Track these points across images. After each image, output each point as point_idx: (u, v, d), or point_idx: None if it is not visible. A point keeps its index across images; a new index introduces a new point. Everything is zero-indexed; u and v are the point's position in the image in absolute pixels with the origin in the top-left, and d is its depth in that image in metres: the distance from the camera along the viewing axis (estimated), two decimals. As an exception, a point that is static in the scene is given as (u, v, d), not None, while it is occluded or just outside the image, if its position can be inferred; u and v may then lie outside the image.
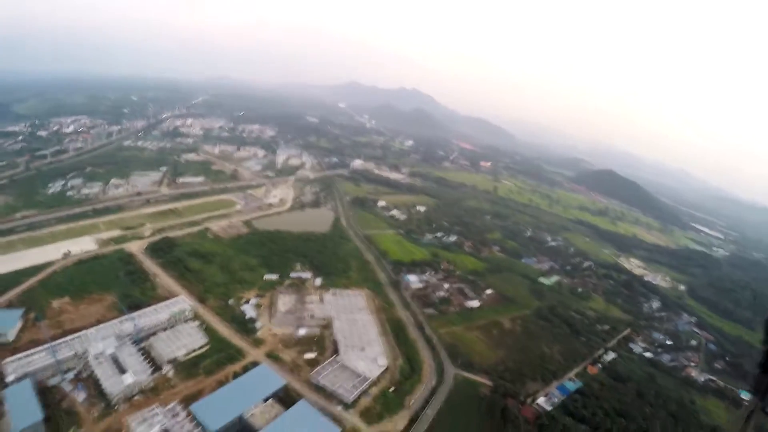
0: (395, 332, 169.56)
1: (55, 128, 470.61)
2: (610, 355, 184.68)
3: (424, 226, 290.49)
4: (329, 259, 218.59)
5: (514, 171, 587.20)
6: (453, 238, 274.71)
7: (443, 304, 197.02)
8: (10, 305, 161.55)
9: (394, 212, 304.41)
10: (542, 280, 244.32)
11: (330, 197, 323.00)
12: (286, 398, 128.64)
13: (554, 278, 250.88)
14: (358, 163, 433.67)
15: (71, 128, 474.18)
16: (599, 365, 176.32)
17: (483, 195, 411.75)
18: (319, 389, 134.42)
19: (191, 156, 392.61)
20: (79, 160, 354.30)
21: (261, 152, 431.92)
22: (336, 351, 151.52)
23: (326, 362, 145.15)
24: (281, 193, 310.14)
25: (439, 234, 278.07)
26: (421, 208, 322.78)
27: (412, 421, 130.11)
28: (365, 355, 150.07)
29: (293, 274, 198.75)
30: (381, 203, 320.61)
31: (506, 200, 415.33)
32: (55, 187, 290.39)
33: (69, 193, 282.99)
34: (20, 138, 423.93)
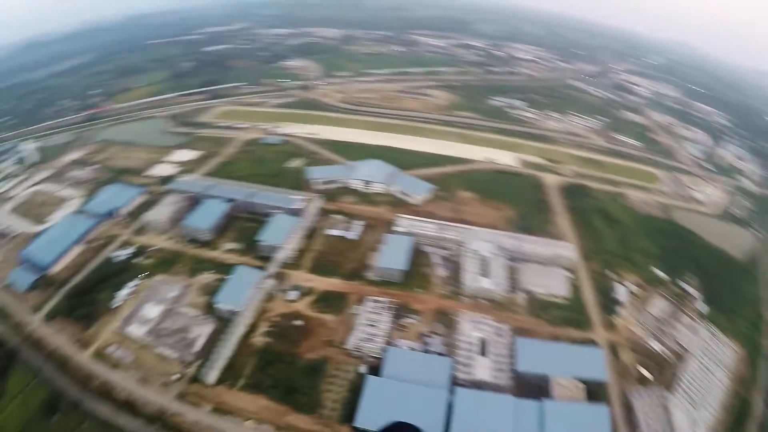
0: (736, 414, 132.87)
1: (510, 51, 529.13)
2: None
3: None
4: (726, 291, 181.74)
5: None
6: None
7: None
8: (426, 179, 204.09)
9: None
10: None
11: (763, 223, 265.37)
12: (594, 392, 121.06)
13: None
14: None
15: (524, 55, 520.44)
16: None
17: None
18: (628, 408, 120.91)
19: (631, 115, 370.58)
20: (524, 85, 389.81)
21: (705, 138, 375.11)
22: (670, 387, 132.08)
23: (653, 390, 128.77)
24: (712, 193, 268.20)
25: None
26: None
27: None
28: (692, 413, 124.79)
29: (682, 284, 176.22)
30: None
31: None
32: (498, 101, 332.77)
33: (508, 110, 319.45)
34: (478, 52, 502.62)
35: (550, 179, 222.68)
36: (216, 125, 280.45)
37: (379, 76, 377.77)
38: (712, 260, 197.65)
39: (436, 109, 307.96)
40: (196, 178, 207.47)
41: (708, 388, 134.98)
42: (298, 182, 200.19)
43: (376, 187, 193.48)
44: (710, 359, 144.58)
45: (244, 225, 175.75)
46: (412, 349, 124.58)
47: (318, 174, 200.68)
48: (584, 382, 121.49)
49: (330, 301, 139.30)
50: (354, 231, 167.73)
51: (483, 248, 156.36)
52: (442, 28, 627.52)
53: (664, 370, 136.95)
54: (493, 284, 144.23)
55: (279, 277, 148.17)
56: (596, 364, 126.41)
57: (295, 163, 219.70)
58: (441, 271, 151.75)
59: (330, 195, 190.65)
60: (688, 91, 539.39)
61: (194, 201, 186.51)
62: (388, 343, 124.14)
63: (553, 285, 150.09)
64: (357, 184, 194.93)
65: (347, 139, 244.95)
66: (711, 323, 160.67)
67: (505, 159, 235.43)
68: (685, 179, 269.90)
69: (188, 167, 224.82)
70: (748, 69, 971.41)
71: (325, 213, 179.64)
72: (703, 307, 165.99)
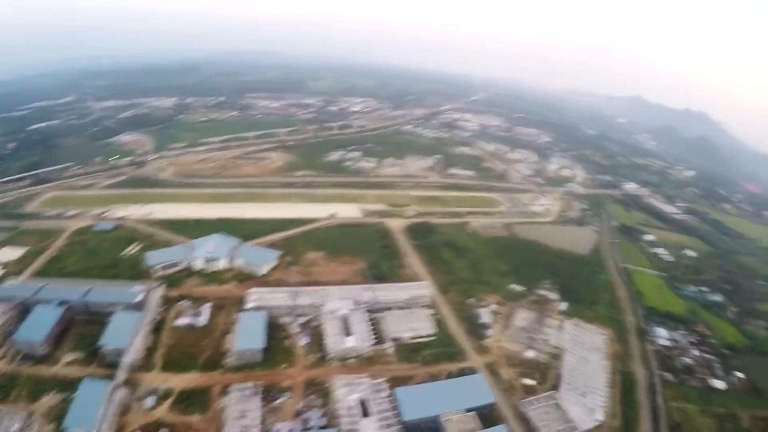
0: (623, 387, 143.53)
1: (344, 105, 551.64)
2: None
3: (690, 275, 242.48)
4: (579, 285, 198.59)
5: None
6: (717, 298, 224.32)
7: (685, 373, 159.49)
8: (271, 246, 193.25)
9: (660, 250, 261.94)
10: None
11: (596, 218, 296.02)
12: (487, 416, 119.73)
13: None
14: (631, 187, 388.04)
15: (358, 107, 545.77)
16: None
17: (765, 253, 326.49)
18: (524, 420, 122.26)
19: (464, 149, 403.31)
20: (360, 136, 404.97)
21: (533, 157, 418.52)
22: (556, 386, 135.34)
23: (542, 395, 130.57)
24: (547, 203, 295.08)
25: (703, 288, 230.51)
26: (691, 253, 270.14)
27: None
28: (584, 401, 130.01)
29: (539, 291, 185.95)
30: (648, 237, 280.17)
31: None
32: (335, 155, 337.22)
33: (347, 163, 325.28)
34: (313, 109, 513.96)
35: (395, 223, 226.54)
36: (42, 215, 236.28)
37: (213, 144, 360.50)
38: (560, 262, 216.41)
39: (274, 172, 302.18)
40: (22, 281, 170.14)
41: (590, 375, 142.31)
42: (137, 271, 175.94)
43: (220, 264, 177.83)
44: (583, 349, 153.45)
45: (83, 330, 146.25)
46: (292, 430, 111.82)
47: (156, 259, 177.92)
48: (475, 410, 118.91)
49: (192, 400, 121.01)
50: (203, 316, 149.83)
51: (340, 307, 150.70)
52: (276, 89, 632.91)
53: (546, 373, 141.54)
54: (358, 341, 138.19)
55: (131, 383, 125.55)
56: (480, 390, 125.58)
57: (131, 249, 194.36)
58: (302, 340, 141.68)
59: (172, 280, 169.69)
60: (512, 119, 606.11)
61: (23, 309, 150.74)
62: (266, 431, 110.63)
63: (418, 326, 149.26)
64: (199, 264, 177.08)
65: (185, 215, 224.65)
66: (574, 317, 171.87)
67: (348, 212, 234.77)
68: (520, 197, 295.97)
69: (12, 268, 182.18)
70: (562, 91, 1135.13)
71: (169, 301, 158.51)
72: (564, 306, 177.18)
